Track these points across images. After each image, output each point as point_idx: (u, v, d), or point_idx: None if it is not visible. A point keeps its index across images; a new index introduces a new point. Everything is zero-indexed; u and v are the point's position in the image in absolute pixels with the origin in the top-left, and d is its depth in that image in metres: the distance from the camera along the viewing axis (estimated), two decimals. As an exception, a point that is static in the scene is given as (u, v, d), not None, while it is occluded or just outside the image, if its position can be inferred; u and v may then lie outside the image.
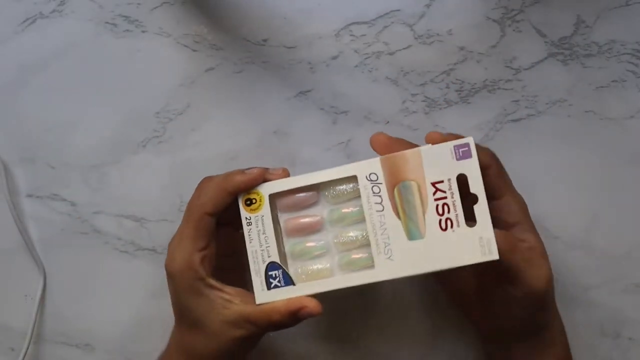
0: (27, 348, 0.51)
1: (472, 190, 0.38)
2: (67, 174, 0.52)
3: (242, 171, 0.42)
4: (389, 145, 0.41)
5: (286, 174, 0.42)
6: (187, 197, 0.51)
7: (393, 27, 0.50)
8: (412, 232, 0.39)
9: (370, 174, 0.40)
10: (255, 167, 0.42)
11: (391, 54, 0.50)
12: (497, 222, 0.41)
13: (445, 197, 0.38)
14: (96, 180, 0.52)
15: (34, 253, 0.52)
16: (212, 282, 0.41)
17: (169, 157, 0.52)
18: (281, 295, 0.40)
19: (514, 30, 0.49)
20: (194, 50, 0.51)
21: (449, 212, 0.38)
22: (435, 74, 0.50)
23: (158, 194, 0.52)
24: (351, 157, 0.50)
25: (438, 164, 0.39)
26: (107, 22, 0.52)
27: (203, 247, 0.42)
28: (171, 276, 0.42)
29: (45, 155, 0.52)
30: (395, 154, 0.40)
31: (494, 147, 0.50)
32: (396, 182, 0.39)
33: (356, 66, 0.50)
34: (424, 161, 0.39)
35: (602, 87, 0.49)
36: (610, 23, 0.49)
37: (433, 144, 0.40)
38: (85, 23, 0.52)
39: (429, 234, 0.38)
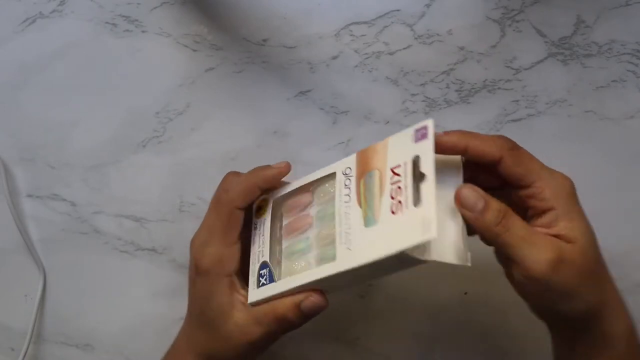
0: (27, 348, 0.51)
1: (422, 169, 0.36)
2: (67, 174, 0.52)
3: (269, 166, 0.42)
4: (440, 143, 0.38)
5: (288, 168, 0.42)
6: (187, 197, 0.52)
7: (393, 27, 0.50)
8: (369, 219, 0.37)
9: (346, 168, 0.40)
10: (281, 162, 0.42)
11: (391, 54, 0.50)
12: (530, 211, 0.39)
13: (400, 181, 0.37)
14: (96, 180, 0.52)
15: (34, 253, 0.52)
16: (235, 280, 0.41)
17: (169, 157, 0.52)
18: (266, 293, 0.40)
19: (514, 30, 0.49)
20: (194, 50, 0.51)
21: (400, 195, 0.36)
22: (435, 74, 0.50)
23: (158, 194, 0.52)
24: (351, 157, 0.50)
25: (400, 150, 0.38)
26: (107, 22, 0.52)
27: (233, 242, 0.41)
28: (201, 271, 0.42)
29: (45, 155, 0.52)
30: (368, 146, 0.39)
31: (494, 147, 0.50)
32: (363, 174, 0.39)
33: (356, 66, 0.50)
34: (389, 149, 0.38)
35: (602, 87, 0.49)
36: (610, 23, 0.49)
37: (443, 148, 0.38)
38: (85, 23, 0.52)
39: (382, 219, 0.37)
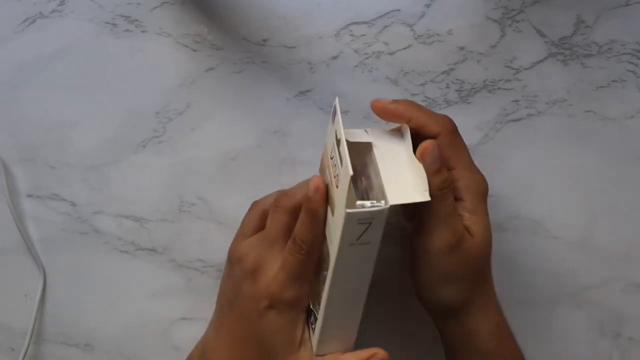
0: (27, 348, 0.51)
1: (338, 137, 0.38)
2: (67, 174, 0.52)
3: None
4: (387, 110, 0.42)
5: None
6: (187, 197, 0.52)
7: (393, 27, 0.50)
8: (332, 212, 0.39)
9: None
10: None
11: (391, 54, 0.50)
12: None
13: (334, 160, 0.39)
14: (96, 180, 0.52)
15: (34, 253, 0.52)
16: (304, 317, 0.42)
17: (169, 157, 0.52)
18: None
19: (514, 30, 0.49)
20: (194, 50, 0.51)
21: (336, 170, 0.38)
22: (435, 74, 0.50)
23: (158, 194, 0.52)
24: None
25: (329, 138, 0.40)
26: (107, 22, 0.52)
27: (310, 281, 0.42)
28: (280, 306, 0.42)
29: (45, 155, 0.52)
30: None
31: (494, 147, 0.50)
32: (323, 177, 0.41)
33: (356, 66, 0.50)
34: (326, 143, 0.41)
35: (602, 87, 0.49)
36: (610, 23, 0.49)
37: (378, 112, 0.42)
38: (85, 23, 0.52)
39: (337, 204, 0.38)
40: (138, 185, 0.52)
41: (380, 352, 0.41)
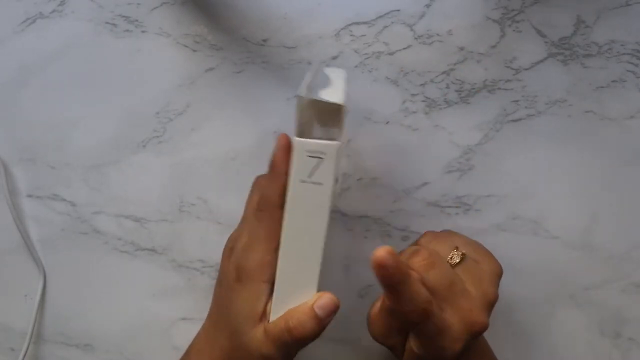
0: (27, 348, 0.51)
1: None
2: (67, 174, 0.52)
3: (276, 147, 0.41)
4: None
5: (285, 139, 0.41)
6: (187, 197, 0.52)
7: (393, 27, 0.50)
8: None
9: None
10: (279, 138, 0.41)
11: (391, 54, 0.50)
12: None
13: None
14: (96, 180, 0.52)
15: (34, 253, 0.52)
16: (267, 289, 0.40)
17: (169, 157, 0.52)
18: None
19: (514, 30, 0.49)
20: (194, 50, 0.51)
21: None
22: (435, 74, 0.50)
23: (158, 194, 0.52)
24: (351, 157, 0.50)
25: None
26: (107, 22, 0.52)
27: (275, 249, 0.40)
28: (243, 277, 0.41)
29: (45, 155, 0.52)
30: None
31: (494, 147, 0.50)
32: None
33: (356, 66, 0.50)
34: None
35: (602, 87, 0.49)
36: (610, 23, 0.49)
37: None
38: (85, 23, 0.52)
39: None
40: (138, 185, 0.52)
41: (324, 294, 0.39)
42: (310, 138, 0.37)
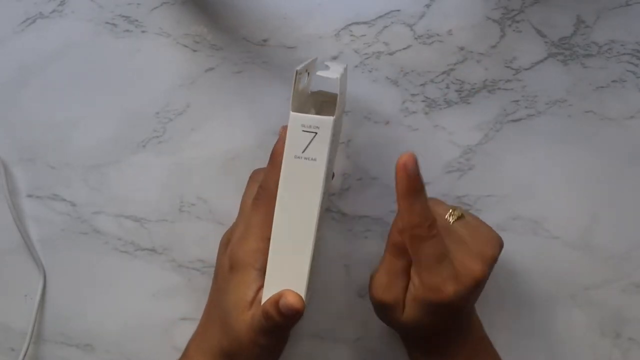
0: (27, 348, 0.51)
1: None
2: (67, 174, 0.52)
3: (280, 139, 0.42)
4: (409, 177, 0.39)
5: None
6: (187, 197, 0.52)
7: (393, 27, 0.50)
8: None
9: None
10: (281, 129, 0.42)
11: (391, 54, 0.50)
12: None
13: None
14: (96, 180, 0.52)
15: (34, 253, 0.52)
16: (259, 277, 0.40)
17: (169, 157, 0.52)
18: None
19: (514, 30, 0.49)
20: (194, 50, 0.51)
21: None
22: (435, 74, 0.50)
23: (158, 194, 0.52)
24: (351, 157, 0.50)
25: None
26: (107, 22, 0.52)
27: (269, 237, 0.40)
28: (236, 266, 0.41)
29: (45, 155, 0.52)
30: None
31: (494, 147, 0.50)
32: None
33: (356, 66, 0.50)
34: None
35: (602, 87, 0.49)
36: (610, 23, 0.49)
37: None
38: (85, 23, 0.52)
39: None
40: (138, 185, 0.52)
41: (288, 294, 0.38)
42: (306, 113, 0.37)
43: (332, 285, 0.51)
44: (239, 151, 0.51)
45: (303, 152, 0.38)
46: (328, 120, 0.37)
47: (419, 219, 0.39)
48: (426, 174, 0.49)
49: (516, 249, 0.50)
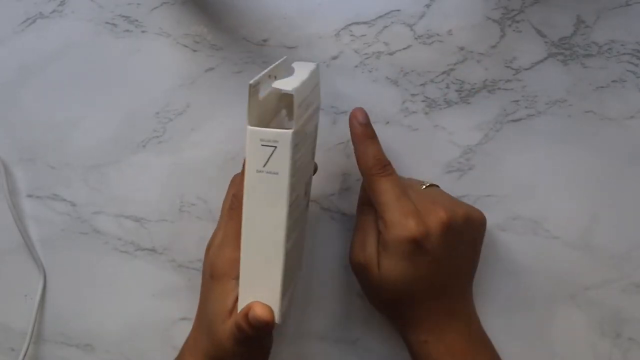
0: (27, 348, 0.51)
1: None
2: (67, 174, 0.52)
3: None
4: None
5: None
6: (188, 197, 0.52)
7: (393, 27, 0.50)
8: None
9: None
10: None
11: (391, 54, 0.50)
12: None
13: None
14: (96, 180, 0.52)
15: (34, 253, 0.52)
16: (237, 286, 0.40)
17: (169, 157, 0.52)
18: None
19: (514, 30, 0.49)
20: (194, 50, 0.51)
21: None
22: (435, 74, 0.50)
23: (158, 194, 0.52)
24: (351, 157, 0.50)
25: None
26: (107, 22, 0.52)
27: None
28: (216, 275, 0.42)
29: (45, 155, 0.52)
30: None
31: (494, 147, 0.50)
32: None
33: (356, 66, 0.50)
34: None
35: (602, 87, 0.49)
36: (610, 23, 0.49)
37: None
38: (85, 23, 0.52)
39: None
40: (138, 185, 0.52)
41: (257, 305, 0.38)
42: (267, 127, 0.36)
43: (332, 285, 0.51)
44: (239, 151, 0.51)
45: (264, 166, 0.37)
46: (286, 134, 0.36)
47: (373, 161, 0.43)
48: (426, 174, 0.50)
49: (516, 249, 0.50)
